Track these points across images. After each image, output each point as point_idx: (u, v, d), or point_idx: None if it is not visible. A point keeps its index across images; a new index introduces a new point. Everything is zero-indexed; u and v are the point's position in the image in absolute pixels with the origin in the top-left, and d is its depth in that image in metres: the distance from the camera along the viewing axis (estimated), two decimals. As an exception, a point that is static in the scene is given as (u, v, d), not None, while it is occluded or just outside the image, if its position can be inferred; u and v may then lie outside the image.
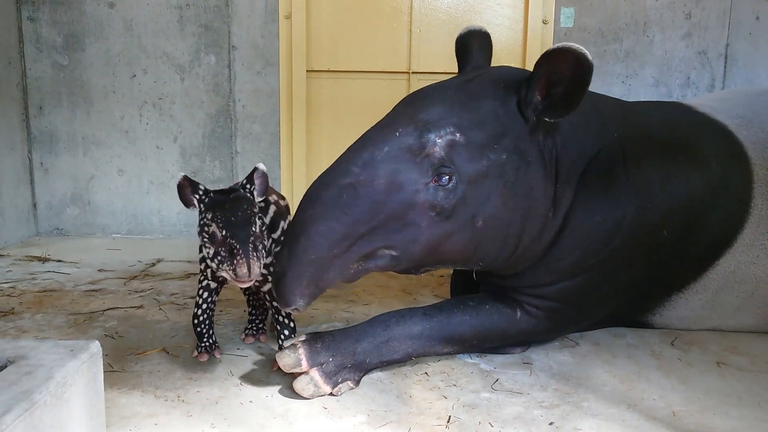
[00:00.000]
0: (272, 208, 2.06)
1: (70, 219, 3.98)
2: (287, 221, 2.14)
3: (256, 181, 1.90)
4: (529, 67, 3.78)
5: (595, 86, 3.83)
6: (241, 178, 3.97)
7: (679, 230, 2.09)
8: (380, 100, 3.81)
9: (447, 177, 1.75)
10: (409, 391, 1.86)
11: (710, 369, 2.05)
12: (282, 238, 2.07)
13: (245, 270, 1.69)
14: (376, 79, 3.86)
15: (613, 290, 2.13)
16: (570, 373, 2.01)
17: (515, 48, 3.89)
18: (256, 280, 1.97)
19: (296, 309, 1.72)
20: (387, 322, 1.95)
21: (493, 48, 2.25)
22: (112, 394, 1.78)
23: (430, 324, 1.97)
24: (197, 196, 1.84)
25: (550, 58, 1.72)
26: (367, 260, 1.77)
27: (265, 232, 1.89)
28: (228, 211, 1.77)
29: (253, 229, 1.76)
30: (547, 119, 1.82)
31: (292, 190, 3.92)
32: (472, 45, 2.17)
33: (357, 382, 1.86)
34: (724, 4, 3.77)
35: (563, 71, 1.72)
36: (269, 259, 1.97)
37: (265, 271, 1.95)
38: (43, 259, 3.34)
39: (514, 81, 1.87)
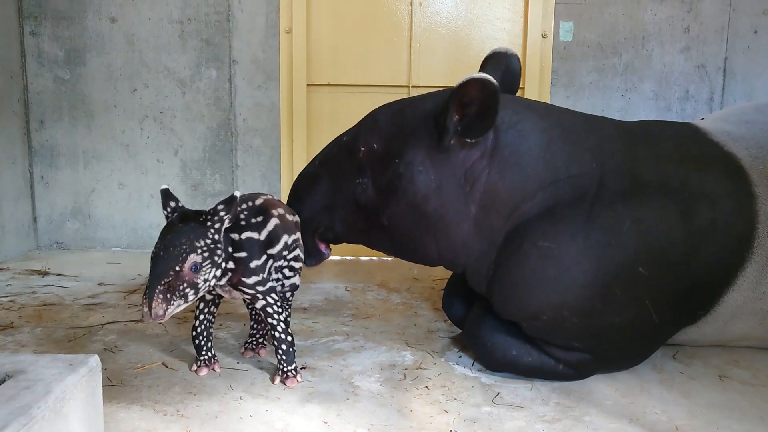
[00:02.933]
0: (273, 222, 2.00)
1: (70, 233, 3.98)
2: (293, 236, 2.11)
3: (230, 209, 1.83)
4: (528, 78, 3.82)
5: (595, 100, 3.89)
6: (241, 191, 3.96)
7: (662, 270, 1.98)
8: (380, 113, 3.80)
9: (366, 179, 2.13)
10: (410, 405, 1.85)
11: (713, 383, 2.04)
12: (284, 253, 2.07)
13: (146, 310, 1.70)
14: (376, 92, 3.87)
15: (615, 319, 1.99)
16: (571, 387, 2.00)
17: (515, 62, 3.89)
18: (246, 297, 1.96)
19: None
20: None
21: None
22: (111, 409, 1.77)
23: None
24: (165, 213, 1.86)
25: (460, 86, 1.93)
26: (324, 231, 2.27)
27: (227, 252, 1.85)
28: (163, 241, 1.77)
29: (177, 267, 1.72)
30: (468, 140, 2.00)
31: (293, 203, 3.91)
32: (486, 65, 2.32)
33: None
34: (722, 18, 3.79)
35: (473, 94, 1.93)
36: (260, 276, 1.93)
37: (252, 291, 1.93)
38: (43, 273, 3.34)
39: (442, 105, 2.03)
